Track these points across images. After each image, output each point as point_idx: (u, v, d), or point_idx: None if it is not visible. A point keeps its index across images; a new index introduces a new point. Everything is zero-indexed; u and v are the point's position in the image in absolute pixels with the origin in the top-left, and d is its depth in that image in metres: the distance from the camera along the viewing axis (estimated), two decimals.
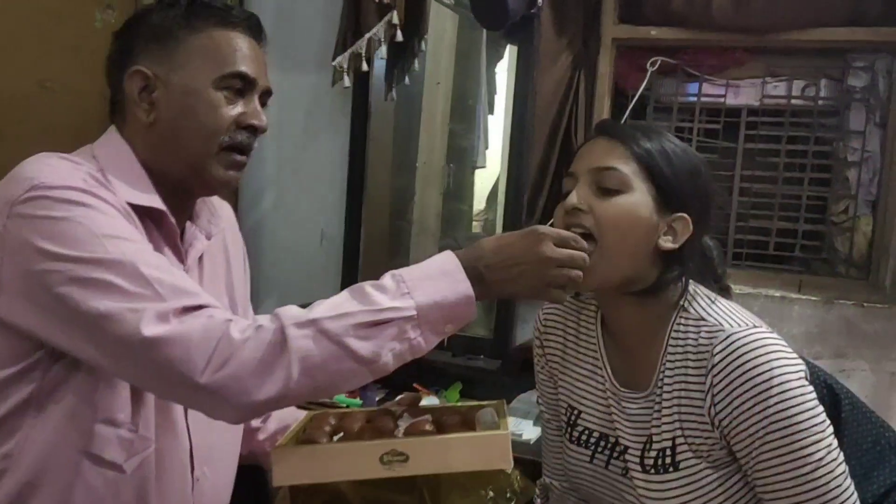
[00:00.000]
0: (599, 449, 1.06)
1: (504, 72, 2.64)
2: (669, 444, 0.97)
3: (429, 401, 2.13)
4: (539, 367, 1.19)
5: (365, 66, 2.24)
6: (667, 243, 0.98)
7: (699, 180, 1.01)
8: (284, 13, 2.47)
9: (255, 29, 1.04)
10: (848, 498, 0.90)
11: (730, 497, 0.96)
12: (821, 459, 0.89)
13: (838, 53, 2.12)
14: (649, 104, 2.27)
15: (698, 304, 1.00)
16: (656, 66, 2.21)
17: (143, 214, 0.98)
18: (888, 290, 2.01)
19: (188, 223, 1.09)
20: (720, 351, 0.92)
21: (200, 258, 1.09)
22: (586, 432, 1.08)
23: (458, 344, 2.27)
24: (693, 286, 1.02)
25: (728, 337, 0.93)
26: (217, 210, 1.17)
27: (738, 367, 0.91)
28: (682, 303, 1.00)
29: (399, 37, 2.20)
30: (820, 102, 2.15)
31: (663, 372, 0.99)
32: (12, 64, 1.88)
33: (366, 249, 2.44)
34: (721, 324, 0.95)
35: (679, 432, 0.97)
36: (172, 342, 0.82)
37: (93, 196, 0.89)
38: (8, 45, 1.86)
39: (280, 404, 0.87)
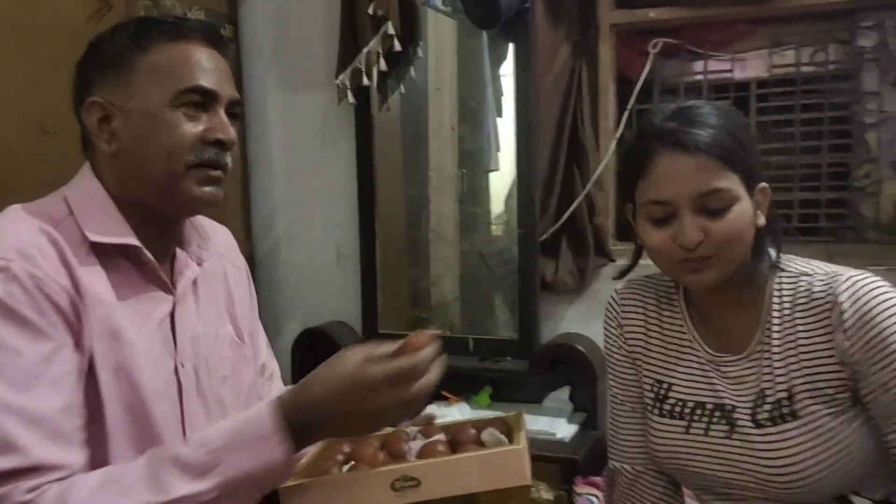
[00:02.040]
0: (696, 418, 1.06)
1: (510, 75, 2.62)
2: (786, 394, 0.98)
3: (458, 407, 2.11)
4: (614, 347, 1.17)
5: (366, 81, 2.24)
6: (761, 220, 1.01)
7: (755, 139, 1.04)
8: (285, 34, 2.49)
9: (211, 38, 0.99)
10: None
11: (850, 443, 0.97)
12: None
13: (845, 15, 2.06)
14: (655, 88, 2.23)
15: (795, 262, 1.03)
16: (658, 48, 2.17)
17: (119, 252, 0.95)
18: None
19: (178, 251, 1.05)
20: (846, 291, 0.95)
21: (195, 282, 1.06)
22: (679, 404, 1.07)
23: (483, 348, 2.25)
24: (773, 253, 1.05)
25: (849, 279, 0.96)
26: (209, 235, 1.13)
27: (868, 302, 0.94)
28: (777, 264, 1.03)
29: (397, 46, 2.20)
30: (831, 67, 2.09)
31: (769, 329, 1.01)
32: (13, 113, 1.90)
33: (383, 263, 2.44)
34: (835, 272, 0.99)
35: (798, 381, 0.98)
36: None
37: (11, 280, 0.84)
38: (8, 94, 1.89)
39: None
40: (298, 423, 0.82)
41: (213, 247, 1.12)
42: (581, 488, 1.74)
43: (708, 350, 1.07)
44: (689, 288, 1.05)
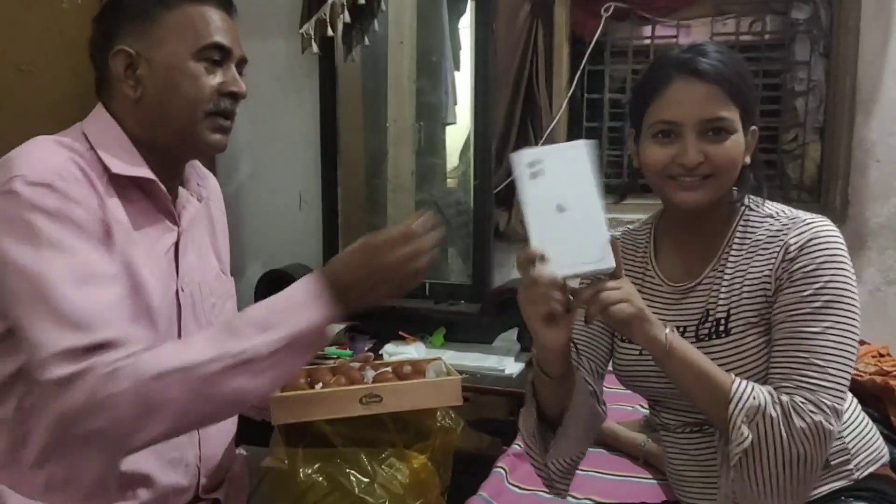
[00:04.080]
0: None
1: (467, 27, 2.70)
2: (724, 314, 1.09)
3: (415, 346, 2.26)
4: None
5: (330, 32, 2.30)
6: (746, 158, 1.08)
7: (755, 87, 1.13)
8: None
9: (225, 3, 1.10)
10: (837, 368, 0.99)
11: (767, 360, 1.06)
12: (834, 326, 1.00)
13: None
14: (606, 49, 2.36)
15: (765, 205, 1.11)
16: (610, 11, 2.29)
17: (134, 185, 1.06)
18: (838, 211, 2.14)
19: (180, 189, 1.16)
20: (798, 231, 1.03)
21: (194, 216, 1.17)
22: None
23: (438, 291, 2.39)
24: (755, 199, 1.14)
25: (806, 222, 1.04)
26: (205, 175, 1.26)
27: (811, 239, 1.02)
28: (746, 203, 1.11)
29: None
30: (766, 37, 2.25)
31: (725, 258, 1.10)
32: None
33: (344, 210, 2.53)
34: (797, 216, 1.07)
35: (735, 302, 1.08)
36: (60, 390, 0.87)
37: (59, 195, 0.94)
38: None
39: (157, 443, 0.95)
40: (335, 286, 0.97)
41: (210, 184, 1.24)
42: None
43: (666, 281, 1.18)
44: (678, 205, 1.11)
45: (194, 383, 0.90)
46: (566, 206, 0.96)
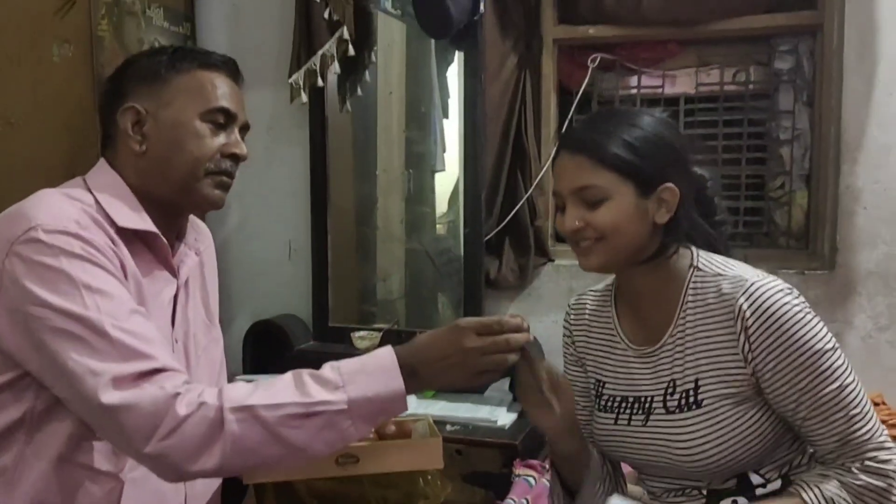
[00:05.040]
0: (622, 410, 1.17)
1: (455, 76, 2.74)
2: (692, 385, 1.10)
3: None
4: (568, 352, 1.31)
5: (320, 82, 2.32)
6: (662, 217, 1.10)
7: (668, 147, 1.10)
8: (239, 33, 2.55)
9: (233, 71, 1.16)
10: (866, 405, 1.06)
11: (746, 430, 1.07)
12: (842, 373, 1.05)
13: (764, 39, 2.26)
14: (593, 99, 2.39)
15: (714, 264, 1.13)
16: (596, 62, 2.32)
17: (136, 237, 1.08)
18: (826, 258, 2.15)
19: (178, 242, 1.19)
20: (748, 298, 1.05)
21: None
22: (611, 399, 1.19)
23: None
24: (705, 254, 1.15)
25: (752, 285, 1.06)
26: (201, 228, 1.29)
27: (767, 309, 1.04)
28: (695, 263, 1.13)
29: (351, 51, 2.29)
30: (750, 87, 2.28)
31: (682, 324, 1.11)
32: None
33: (334, 259, 2.52)
34: (741, 276, 1.08)
35: (704, 372, 1.09)
36: (124, 411, 0.89)
37: (83, 242, 0.97)
38: None
39: (214, 476, 0.97)
40: (409, 363, 0.97)
41: (206, 240, 1.28)
42: (520, 470, 1.87)
43: (630, 344, 1.18)
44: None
45: (263, 422, 0.91)
46: None
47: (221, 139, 1.12)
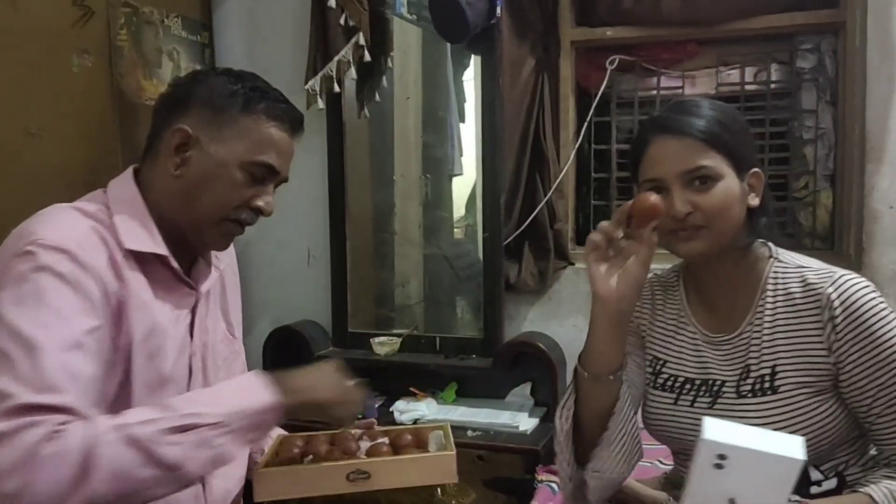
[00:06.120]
0: (685, 391, 1.17)
1: (472, 80, 2.73)
2: (769, 371, 1.10)
3: (426, 403, 2.21)
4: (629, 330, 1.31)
5: (337, 88, 2.32)
6: (753, 201, 1.12)
7: (747, 130, 1.13)
8: (255, 40, 2.56)
9: (298, 129, 1.14)
10: None
11: (820, 422, 1.08)
12: None
13: (785, 38, 2.23)
14: (612, 101, 2.37)
15: (792, 255, 1.14)
16: (615, 64, 2.31)
17: (148, 257, 1.06)
18: (852, 258, 2.11)
19: (199, 258, 1.18)
20: (837, 290, 1.06)
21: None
22: (671, 378, 1.19)
23: (448, 345, 2.36)
24: (773, 246, 1.16)
25: (841, 277, 1.08)
26: None
27: (855, 302, 1.05)
28: (774, 255, 1.14)
29: (367, 57, 2.29)
30: (772, 86, 2.25)
31: (761, 312, 1.12)
32: None
33: (353, 265, 2.52)
34: (829, 269, 1.10)
35: (783, 359, 1.09)
36: (3, 446, 0.82)
37: (74, 263, 0.95)
38: None
39: None
40: (278, 379, 1.02)
41: (225, 256, 1.25)
42: (543, 476, 1.85)
43: (702, 330, 1.18)
44: (682, 257, 1.14)
45: (136, 441, 0.87)
46: None
47: (252, 191, 1.10)
